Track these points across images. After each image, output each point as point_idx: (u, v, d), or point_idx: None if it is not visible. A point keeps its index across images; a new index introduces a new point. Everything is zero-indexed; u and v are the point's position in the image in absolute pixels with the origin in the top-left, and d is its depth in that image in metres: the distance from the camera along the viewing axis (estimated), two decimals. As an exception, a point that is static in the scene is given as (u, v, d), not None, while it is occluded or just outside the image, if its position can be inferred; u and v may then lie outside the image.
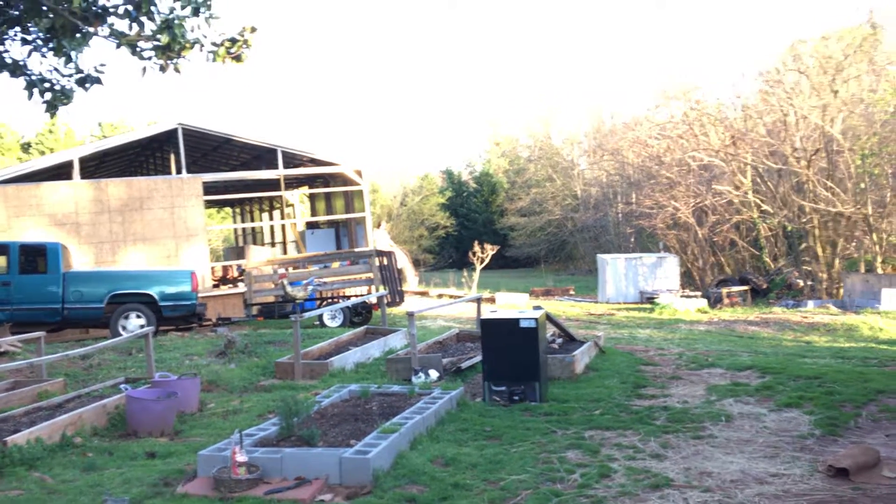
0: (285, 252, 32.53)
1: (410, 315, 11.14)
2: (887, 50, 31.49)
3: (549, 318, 12.13)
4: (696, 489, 6.39)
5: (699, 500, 6.14)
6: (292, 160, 25.99)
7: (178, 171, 24.39)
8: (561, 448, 7.64)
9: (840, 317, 20.36)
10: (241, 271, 23.76)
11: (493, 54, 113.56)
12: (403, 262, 31.64)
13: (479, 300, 14.23)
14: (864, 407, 8.71)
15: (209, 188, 27.48)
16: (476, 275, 29.93)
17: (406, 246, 50.58)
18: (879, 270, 27.77)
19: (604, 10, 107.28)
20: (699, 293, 27.80)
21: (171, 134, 24.14)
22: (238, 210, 42.78)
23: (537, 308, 10.96)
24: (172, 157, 25.45)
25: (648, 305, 25.66)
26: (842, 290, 27.00)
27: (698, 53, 77.36)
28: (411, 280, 32.03)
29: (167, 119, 27.46)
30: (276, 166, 24.90)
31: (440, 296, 25.81)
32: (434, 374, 10.88)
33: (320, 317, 18.12)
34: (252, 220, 39.40)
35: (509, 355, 9.52)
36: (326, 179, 28.37)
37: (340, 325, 17.98)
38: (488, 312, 10.63)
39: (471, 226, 61.38)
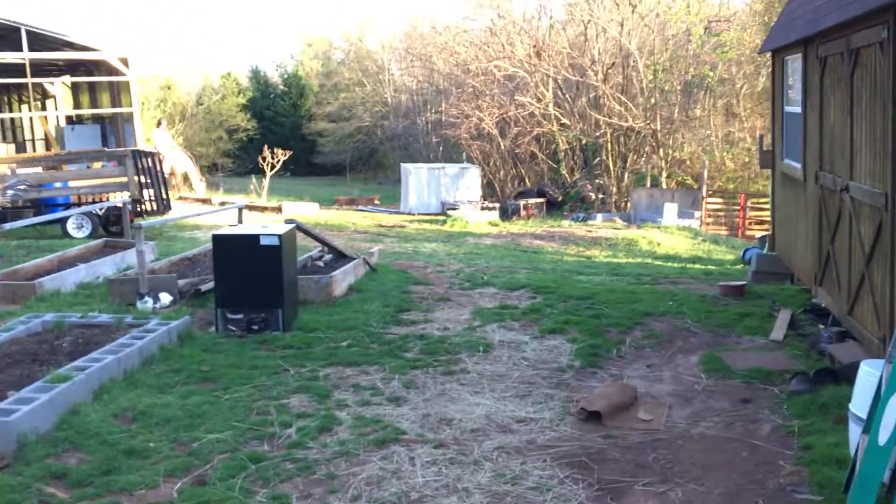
0: (48, 149, 28.47)
1: (138, 228, 9.30)
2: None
3: (308, 232, 10.74)
4: (429, 444, 5.36)
5: (427, 460, 5.12)
6: (43, 43, 22.24)
7: None
8: (286, 392, 6.39)
9: (622, 231, 20.58)
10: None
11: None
12: (187, 165, 28.74)
13: (240, 209, 12.51)
14: (630, 332, 8.13)
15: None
16: (266, 181, 27.76)
17: (203, 149, 46.86)
18: (664, 185, 28.76)
19: None
20: (499, 204, 27.56)
21: None
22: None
23: (290, 222, 9.52)
24: None
25: (443, 217, 25.01)
26: (629, 204, 27.71)
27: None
28: (197, 186, 29.24)
29: None
30: (21, 49, 21.18)
31: (223, 203, 23.60)
32: (167, 298, 9.22)
33: (63, 226, 15.59)
34: (5, 112, 34.24)
35: (248, 278, 8.08)
36: (90, 68, 24.74)
37: (89, 236, 15.57)
38: (228, 227, 9.07)
39: (277, 130, 57.78)
